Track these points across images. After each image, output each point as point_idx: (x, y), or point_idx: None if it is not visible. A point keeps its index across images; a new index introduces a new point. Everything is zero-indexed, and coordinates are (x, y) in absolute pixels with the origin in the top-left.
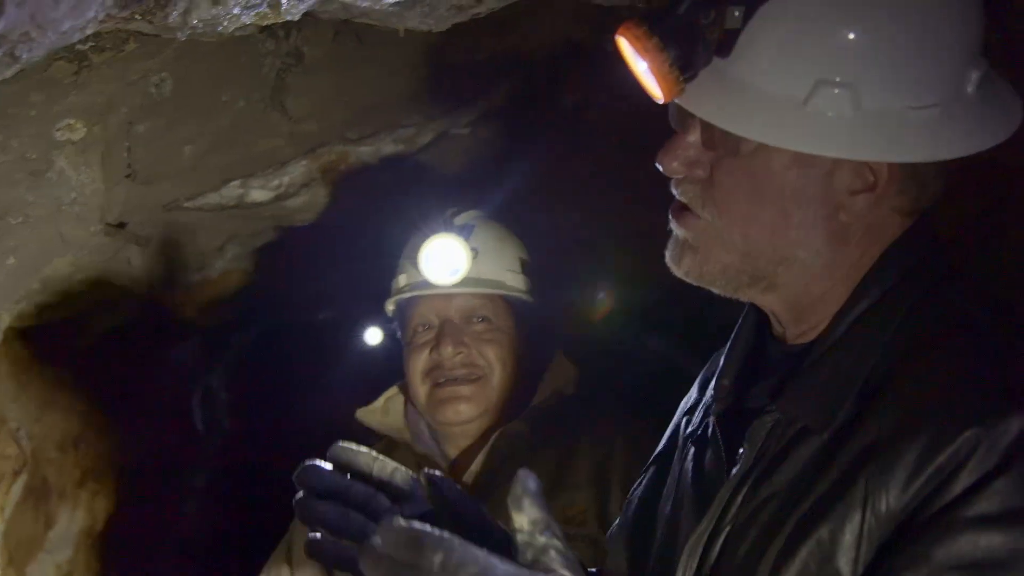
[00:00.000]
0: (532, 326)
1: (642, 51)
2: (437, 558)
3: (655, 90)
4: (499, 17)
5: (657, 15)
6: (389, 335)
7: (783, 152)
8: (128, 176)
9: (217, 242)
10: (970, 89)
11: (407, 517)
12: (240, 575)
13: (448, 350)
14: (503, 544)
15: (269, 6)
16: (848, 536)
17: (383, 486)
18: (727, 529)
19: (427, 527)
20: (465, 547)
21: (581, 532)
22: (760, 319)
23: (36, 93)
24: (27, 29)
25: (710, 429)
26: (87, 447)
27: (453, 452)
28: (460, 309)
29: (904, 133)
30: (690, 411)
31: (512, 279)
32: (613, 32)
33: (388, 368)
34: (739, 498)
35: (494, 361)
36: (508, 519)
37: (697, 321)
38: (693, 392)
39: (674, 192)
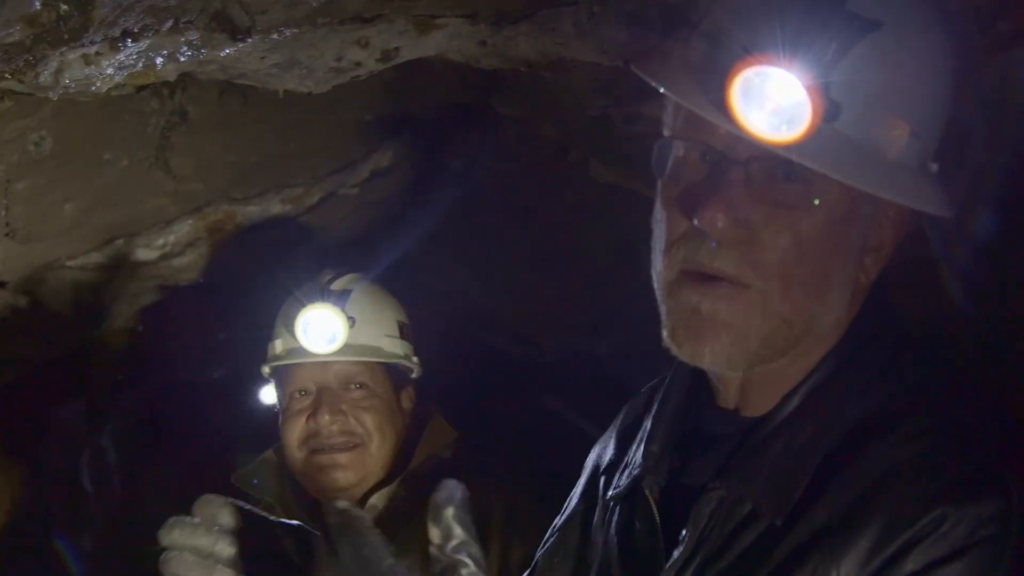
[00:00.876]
0: (414, 388)
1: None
2: None
3: (776, 133)
4: (385, 79)
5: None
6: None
7: (840, 208)
8: (7, 235)
9: (102, 301)
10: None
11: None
12: None
13: (325, 419)
14: None
15: (144, 66)
16: None
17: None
18: None
19: None
20: None
21: None
22: (694, 382)
23: None
24: None
25: (640, 498)
26: None
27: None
28: (337, 376)
29: (931, 184)
30: (610, 468)
31: (389, 344)
32: (499, 95)
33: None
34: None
35: (372, 429)
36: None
37: (588, 381)
38: (610, 447)
39: (697, 259)
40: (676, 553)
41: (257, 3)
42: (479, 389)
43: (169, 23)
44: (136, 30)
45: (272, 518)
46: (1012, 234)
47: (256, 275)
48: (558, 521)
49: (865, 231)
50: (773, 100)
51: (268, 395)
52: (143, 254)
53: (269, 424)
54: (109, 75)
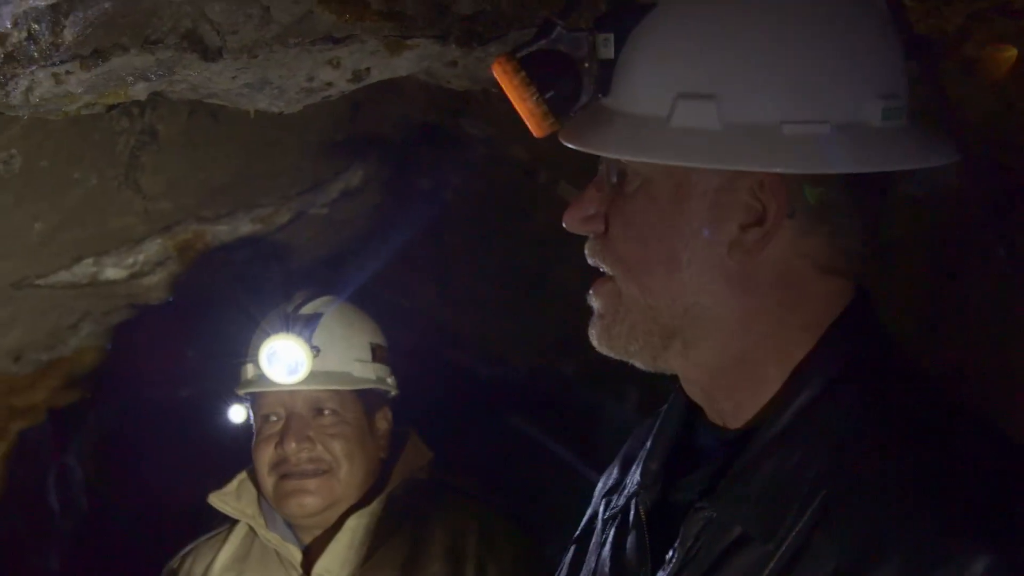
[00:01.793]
0: (390, 408)
1: (508, 86)
2: None
3: (529, 125)
4: (354, 99)
5: (525, 46)
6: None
7: (663, 185)
8: None
9: (70, 319)
10: (875, 120)
11: None
12: None
13: (292, 446)
14: None
15: (115, 85)
16: None
17: None
18: None
19: None
20: None
21: None
22: (689, 399)
23: None
24: None
25: (632, 516)
26: None
27: (307, 539)
28: (306, 402)
29: (775, 145)
30: (611, 492)
31: (360, 369)
32: (467, 115)
33: (249, 447)
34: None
35: (340, 456)
36: None
37: (556, 401)
38: (614, 471)
39: (588, 258)
40: (661, 575)
41: (228, 23)
42: (447, 408)
43: (140, 42)
44: (107, 49)
45: None
46: (975, 259)
47: (225, 295)
48: (563, 557)
49: (725, 206)
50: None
51: (236, 414)
52: (112, 273)
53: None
54: (79, 94)
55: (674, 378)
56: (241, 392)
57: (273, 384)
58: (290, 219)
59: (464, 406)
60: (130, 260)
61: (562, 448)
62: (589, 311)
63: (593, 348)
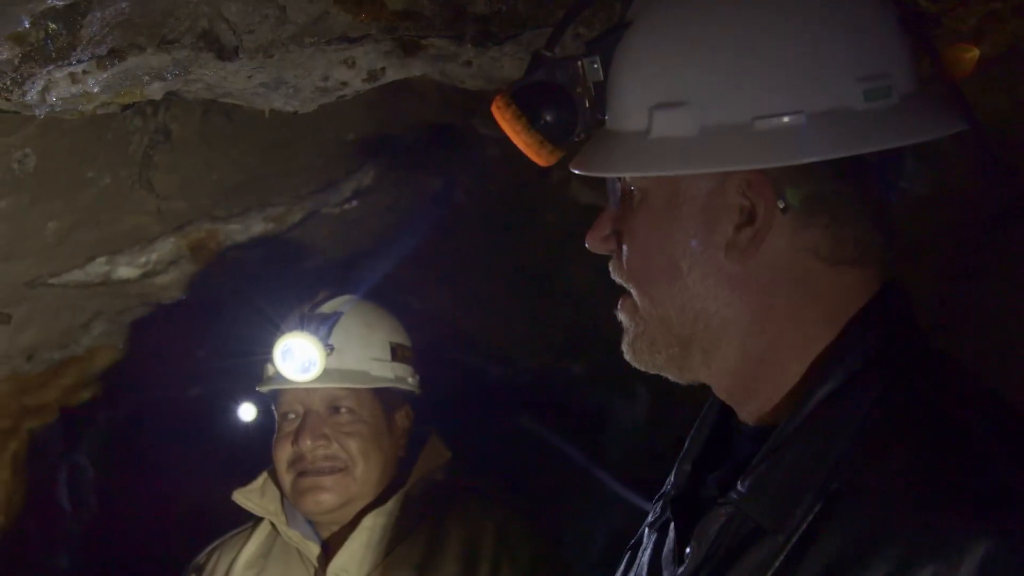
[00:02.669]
0: (411, 407)
1: (501, 121)
2: None
3: (531, 156)
4: (367, 99)
5: (519, 82)
6: (263, 412)
7: (658, 197)
8: None
9: (83, 319)
10: (856, 104)
11: None
12: None
13: (308, 443)
14: None
15: (131, 85)
16: None
17: None
18: None
19: None
20: None
21: None
22: (723, 406)
23: None
24: None
25: (666, 517)
26: None
27: (326, 536)
28: (323, 400)
29: (749, 142)
30: (660, 498)
31: (378, 368)
32: (479, 115)
33: (261, 446)
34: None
35: (356, 454)
36: None
37: (565, 400)
38: (670, 478)
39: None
40: (680, 571)
41: (244, 23)
42: (456, 407)
43: (156, 42)
44: (123, 49)
45: None
46: (988, 261)
47: (237, 294)
48: (619, 564)
49: (717, 210)
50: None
51: (246, 413)
52: (125, 272)
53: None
54: (96, 93)
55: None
56: (261, 389)
57: (288, 382)
58: (303, 218)
59: (474, 406)
60: (143, 259)
61: (571, 447)
62: (598, 311)
63: (602, 348)
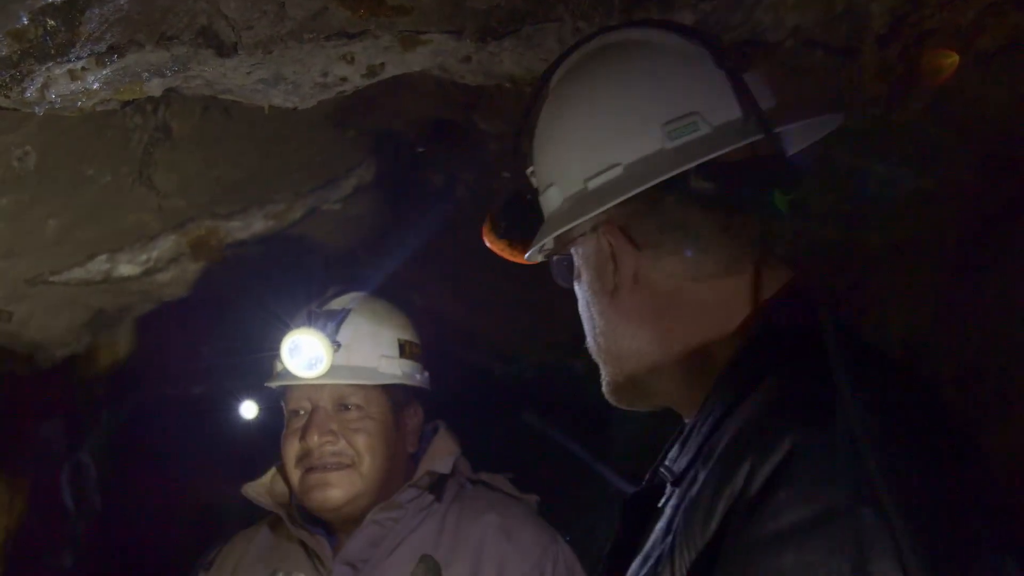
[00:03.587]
0: (420, 404)
1: (490, 242)
2: None
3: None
4: (367, 95)
5: (495, 205)
6: (265, 410)
7: (575, 266)
8: None
9: (84, 316)
10: (664, 144)
11: None
12: None
13: (315, 439)
14: None
15: (130, 81)
16: None
17: None
18: None
19: None
20: None
21: None
22: None
23: None
24: None
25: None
26: None
27: (333, 529)
28: (331, 396)
29: (586, 199)
30: None
31: (386, 365)
32: (479, 111)
33: (264, 443)
34: (610, 555)
35: (363, 451)
36: None
37: (568, 397)
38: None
39: None
40: (614, 539)
41: (243, 19)
42: (459, 404)
43: (156, 38)
44: (122, 46)
45: None
46: (992, 255)
47: (239, 291)
48: None
49: (598, 263)
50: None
51: (248, 410)
52: (126, 270)
53: (253, 439)
54: (95, 90)
55: None
56: (270, 385)
57: (296, 378)
58: (303, 215)
59: (477, 403)
60: (144, 257)
61: (575, 443)
62: None
63: None
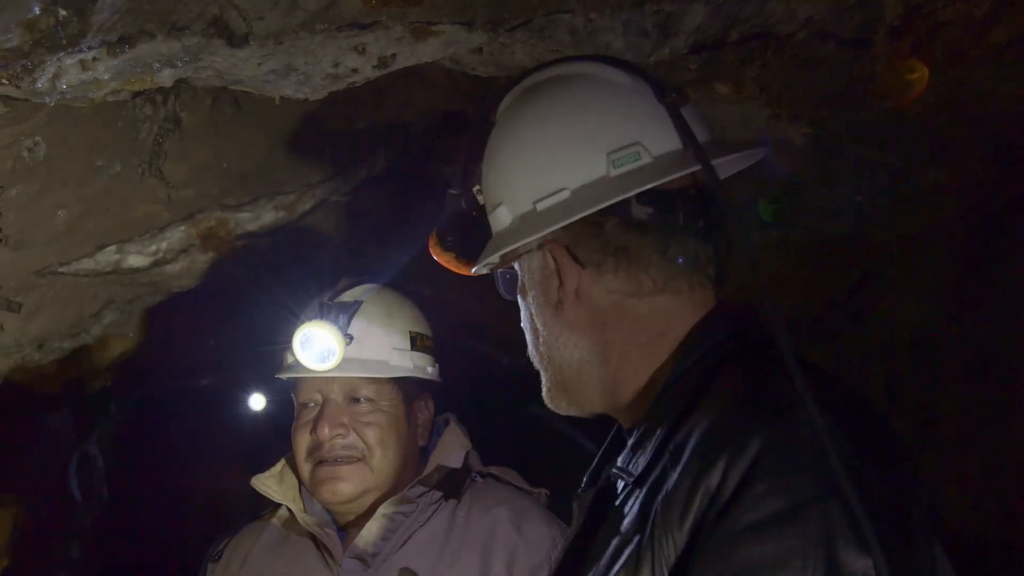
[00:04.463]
0: (431, 396)
1: (432, 251)
2: None
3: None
4: (377, 87)
5: (441, 222)
6: (273, 401)
7: (519, 280)
8: (0, 241)
9: (94, 307)
10: (607, 171)
11: None
12: None
13: (325, 432)
14: None
15: (141, 72)
16: (645, 573)
17: None
18: None
19: None
20: None
21: None
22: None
23: None
24: None
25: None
26: None
27: (343, 522)
28: (342, 389)
29: (535, 220)
30: None
31: (398, 358)
32: (490, 102)
33: (272, 435)
34: (567, 555)
35: (373, 444)
36: None
37: None
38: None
39: None
40: (567, 537)
41: (255, 9)
42: (469, 396)
43: (167, 28)
44: (133, 36)
45: None
46: (1002, 247)
47: (248, 283)
48: None
49: (544, 280)
50: None
51: (256, 402)
52: (135, 261)
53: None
54: (106, 80)
55: None
56: (280, 377)
57: (307, 371)
58: (313, 207)
59: (486, 394)
60: (153, 248)
61: (583, 436)
62: None
63: None
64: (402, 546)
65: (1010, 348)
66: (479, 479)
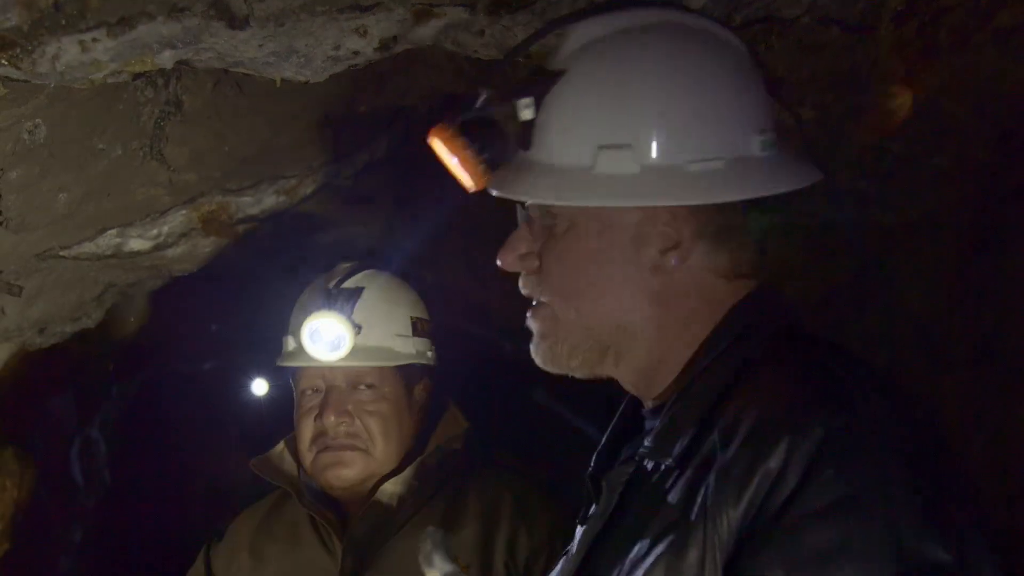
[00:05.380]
0: (430, 380)
1: (453, 149)
2: None
3: (466, 181)
4: (378, 70)
5: (460, 114)
6: (276, 386)
7: (590, 225)
8: (0, 224)
9: (95, 291)
10: (756, 152)
11: None
12: None
13: (331, 419)
14: None
15: (141, 53)
16: (693, 554)
17: None
18: (591, 568)
19: None
20: None
21: None
22: (633, 399)
23: None
24: None
25: (586, 497)
26: None
27: (343, 506)
28: (346, 376)
29: (685, 183)
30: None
31: (401, 344)
32: (493, 86)
33: (274, 420)
34: (597, 540)
35: (376, 434)
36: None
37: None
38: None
39: (521, 290)
40: (591, 512)
41: None
42: (471, 381)
43: (167, 10)
44: (133, 16)
45: None
46: (1006, 234)
47: (250, 267)
48: (553, 567)
49: (646, 237)
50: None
51: (259, 387)
52: (136, 244)
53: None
54: (106, 62)
55: None
56: (283, 365)
57: (314, 360)
58: (314, 190)
59: (489, 380)
60: (154, 232)
61: (584, 422)
62: None
63: None
64: (402, 528)
65: (1013, 335)
66: (480, 462)
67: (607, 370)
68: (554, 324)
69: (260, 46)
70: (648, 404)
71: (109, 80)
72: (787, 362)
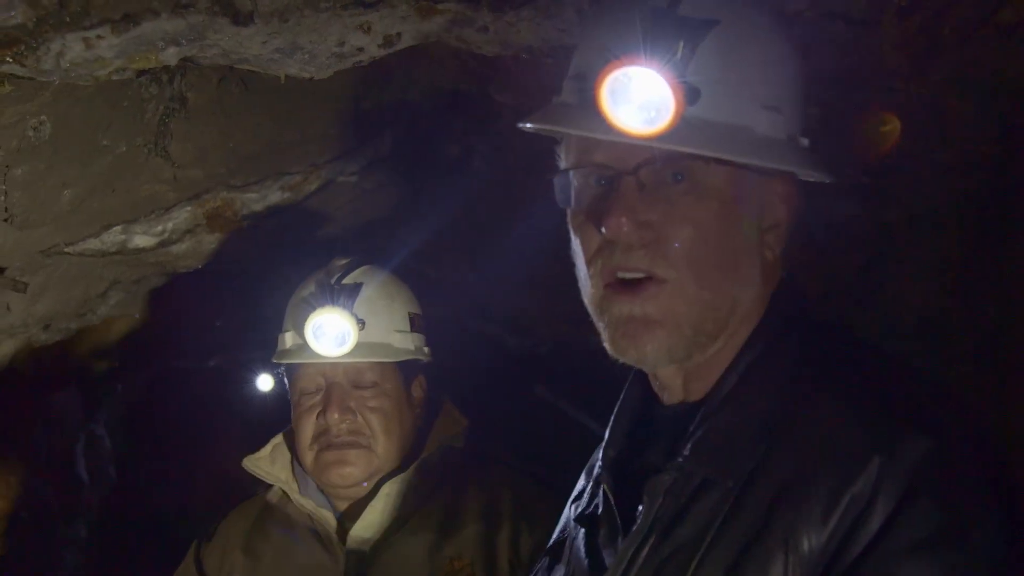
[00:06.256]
0: (425, 376)
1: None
2: None
3: (643, 128)
4: (383, 66)
5: (650, 55)
6: (279, 382)
7: (726, 190)
8: (5, 220)
9: (99, 288)
10: (803, 140)
11: None
12: None
13: (335, 416)
14: None
15: (145, 50)
16: None
17: None
18: None
19: None
20: None
21: None
22: (645, 389)
23: None
24: None
25: (600, 502)
26: None
27: (342, 505)
28: (347, 373)
29: (809, 157)
30: (578, 497)
31: (400, 340)
32: (497, 83)
33: (278, 415)
34: (641, 555)
35: (378, 431)
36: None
37: (582, 372)
38: (580, 479)
39: (614, 269)
40: (634, 528)
41: None
42: (474, 378)
43: (171, 6)
44: (138, 13)
45: None
46: (1009, 228)
47: (254, 263)
48: (536, 567)
49: (760, 210)
50: (639, 96)
51: (264, 384)
52: (141, 241)
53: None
54: (110, 59)
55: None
56: (282, 362)
57: (318, 356)
58: (319, 187)
59: (491, 376)
60: (159, 228)
61: (587, 418)
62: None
63: None
64: (403, 525)
65: (1016, 329)
66: (481, 458)
67: (697, 357)
68: (676, 303)
69: (264, 43)
70: (668, 399)
71: (114, 77)
72: (850, 370)
